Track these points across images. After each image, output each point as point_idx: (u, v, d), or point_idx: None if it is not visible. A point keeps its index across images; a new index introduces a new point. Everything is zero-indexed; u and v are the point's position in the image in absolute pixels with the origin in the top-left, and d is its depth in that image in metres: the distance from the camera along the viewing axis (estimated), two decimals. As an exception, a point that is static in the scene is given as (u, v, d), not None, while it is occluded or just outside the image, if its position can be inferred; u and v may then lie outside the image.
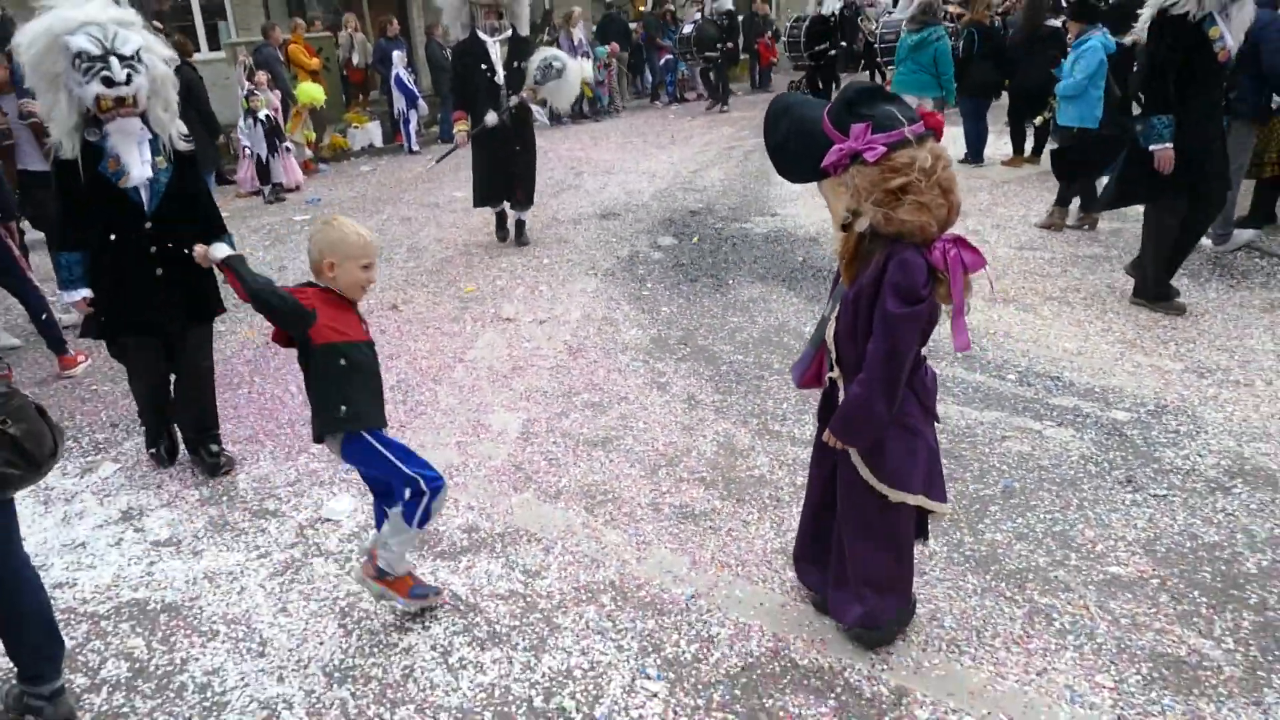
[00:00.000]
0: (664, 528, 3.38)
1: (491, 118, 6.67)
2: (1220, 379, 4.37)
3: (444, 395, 4.66)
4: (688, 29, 15.70)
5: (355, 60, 13.34)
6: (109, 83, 3.32)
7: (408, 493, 2.69)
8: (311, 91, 11.31)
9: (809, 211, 7.96)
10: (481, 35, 6.74)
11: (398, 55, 12.59)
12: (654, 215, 8.26)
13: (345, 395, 2.68)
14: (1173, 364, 4.57)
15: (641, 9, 20.10)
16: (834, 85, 14.25)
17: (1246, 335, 4.87)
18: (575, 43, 14.83)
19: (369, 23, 13.83)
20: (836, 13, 14.27)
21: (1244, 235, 6.15)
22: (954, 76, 8.88)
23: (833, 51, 14.13)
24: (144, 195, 3.57)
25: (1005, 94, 9.51)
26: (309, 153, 11.58)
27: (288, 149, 10.33)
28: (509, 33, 6.81)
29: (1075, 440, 3.85)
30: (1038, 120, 8.29)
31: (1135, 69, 7.24)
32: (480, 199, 7.26)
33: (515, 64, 6.76)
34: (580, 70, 7.12)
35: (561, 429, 4.22)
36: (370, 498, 3.63)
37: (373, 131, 13.02)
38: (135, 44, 3.39)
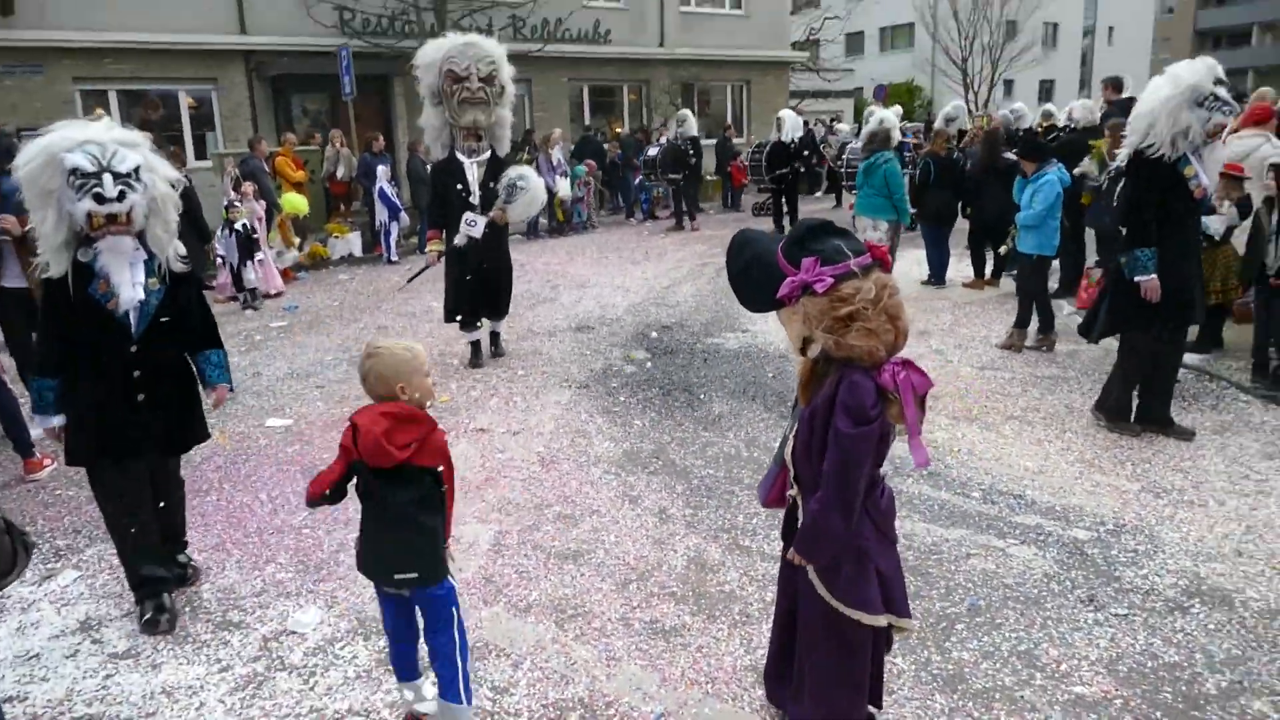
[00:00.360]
0: (634, 643, 3.37)
1: (461, 237, 6.84)
2: (1176, 499, 4.50)
3: (415, 505, 4.65)
4: (653, 152, 16.46)
5: (340, 173, 13.72)
6: (100, 199, 3.25)
7: (459, 665, 2.71)
8: (295, 202, 11.60)
9: (778, 329, 8.09)
10: (459, 156, 6.91)
11: (382, 169, 12.99)
12: (628, 329, 8.45)
13: (442, 527, 2.76)
14: (1130, 484, 4.70)
15: (618, 131, 20.92)
16: (795, 206, 15.05)
17: (1200, 456, 5.03)
18: (554, 163, 15.38)
19: (355, 138, 14.28)
20: (796, 139, 15.12)
21: (1192, 360, 6.41)
22: (908, 200, 9.34)
23: (792, 176, 15.00)
24: (132, 318, 3.44)
25: (966, 220, 9.94)
26: (294, 255, 11.77)
27: (260, 261, 10.50)
28: (488, 154, 6.98)
29: (1038, 558, 3.92)
30: (1002, 249, 8.69)
31: (1084, 198, 7.66)
32: (451, 314, 7.23)
33: (490, 184, 6.90)
34: (543, 185, 7.28)
35: (533, 541, 4.23)
36: (334, 610, 3.61)
37: (353, 241, 13.28)
38: (133, 162, 3.33)
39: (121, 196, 3.29)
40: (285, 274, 11.35)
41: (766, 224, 15.08)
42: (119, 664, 3.35)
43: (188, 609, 3.71)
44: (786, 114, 15.53)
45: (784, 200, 15.17)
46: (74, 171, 3.25)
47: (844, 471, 2.12)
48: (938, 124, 12.61)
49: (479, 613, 3.61)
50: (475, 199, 6.86)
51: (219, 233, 10.17)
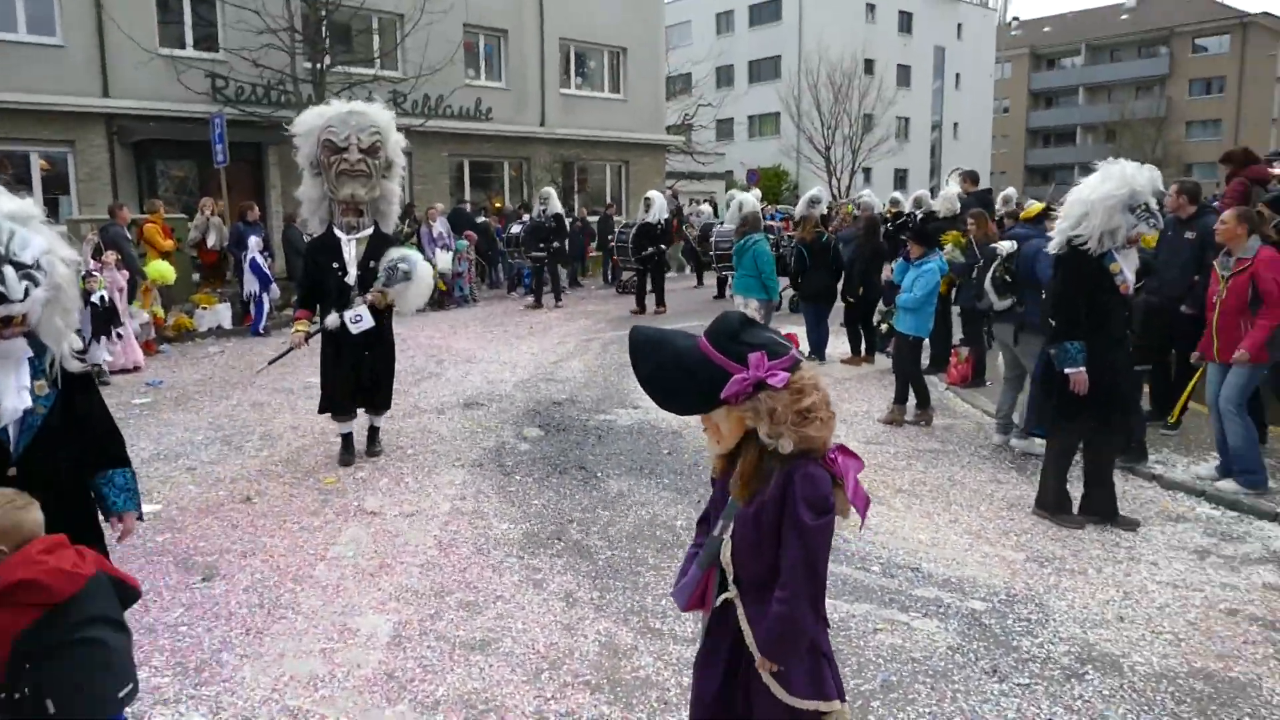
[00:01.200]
0: (551, 738, 3.23)
1: (333, 319, 6.18)
2: (1058, 568, 4.73)
3: (305, 597, 4.38)
4: (516, 229, 16.20)
5: (210, 242, 13.15)
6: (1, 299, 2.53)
7: None
8: (162, 270, 11.03)
9: (670, 404, 8.25)
10: (337, 232, 6.33)
11: (254, 239, 12.54)
12: (518, 405, 8.34)
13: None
14: (1015, 554, 4.92)
15: (499, 206, 21.01)
16: (661, 286, 14.88)
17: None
18: (435, 235, 15.24)
19: (228, 206, 13.76)
20: (663, 220, 15.16)
21: (1036, 444, 6.76)
22: (776, 280, 9.83)
23: (658, 256, 14.87)
24: (11, 432, 2.68)
25: (841, 300, 10.41)
26: (153, 331, 11.11)
27: (119, 335, 9.88)
28: (369, 230, 6.39)
29: (941, 631, 4.02)
30: (883, 326, 9.12)
31: (944, 281, 8.13)
32: (326, 404, 6.48)
33: (370, 263, 6.28)
34: (430, 271, 6.67)
35: (436, 631, 4.03)
36: (220, 716, 3.32)
37: (221, 313, 12.67)
38: (37, 248, 2.61)
39: (25, 294, 2.56)
40: (147, 346, 10.69)
41: (630, 301, 15.34)
42: (-35, 792, 2.95)
43: (48, 724, 3.32)
44: (655, 195, 15.60)
45: (649, 279, 15.01)
46: None
47: (812, 565, 2.07)
48: (800, 209, 13.21)
49: (382, 713, 3.39)
50: (352, 279, 6.26)
51: (75, 304, 9.50)
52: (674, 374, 2.12)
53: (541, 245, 14.96)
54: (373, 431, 6.80)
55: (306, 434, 7.32)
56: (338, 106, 6.39)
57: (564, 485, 6.07)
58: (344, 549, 4.97)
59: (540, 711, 3.40)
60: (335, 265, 6.26)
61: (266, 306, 12.68)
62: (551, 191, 15.75)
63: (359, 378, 6.35)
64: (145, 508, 5.54)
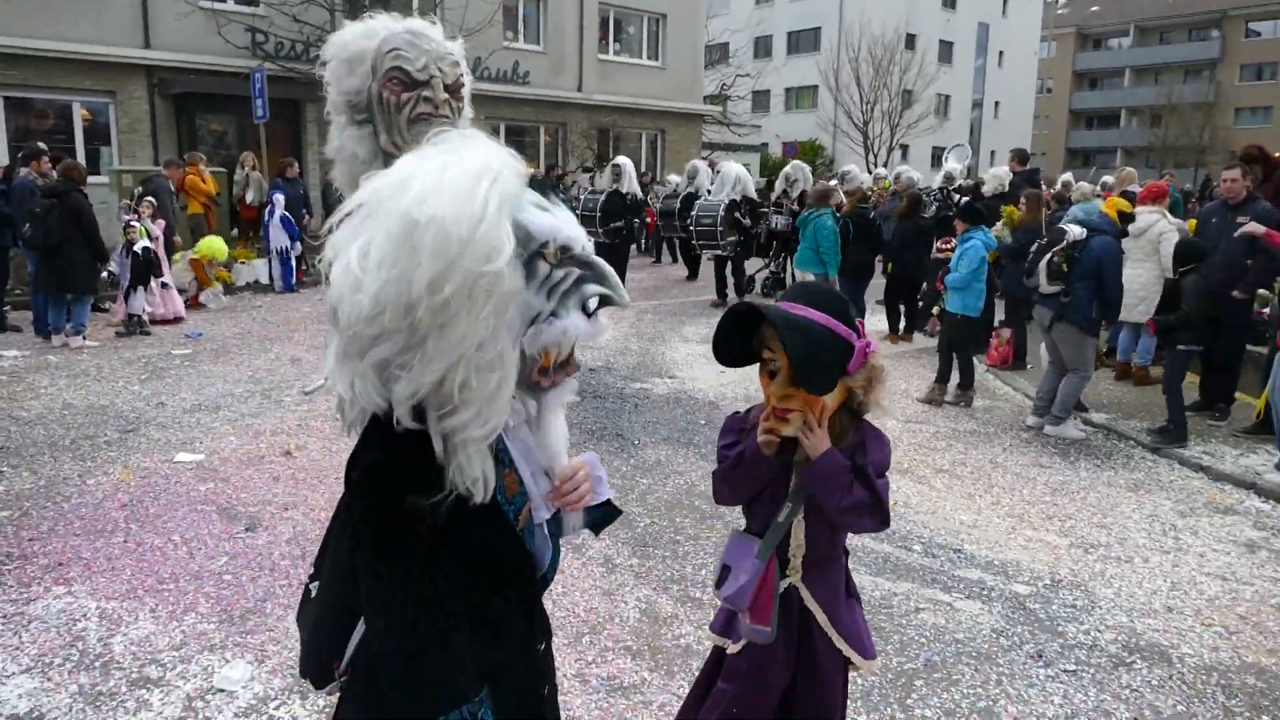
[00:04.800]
0: (593, 701, 3.23)
1: None
2: (1104, 554, 4.66)
3: (347, 551, 4.40)
4: (589, 201, 13.98)
5: (250, 197, 13.18)
6: None
7: None
8: (213, 246, 11.06)
9: (706, 375, 8.21)
10: None
11: (279, 197, 12.41)
12: (553, 370, 8.32)
13: None
14: (1059, 539, 4.85)
15: (533, 171, 20.91)
16: (625, 265, 12.99)
17: (1118, 513, 5.24)
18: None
19: (265, 161, 13.77)
20: (634, 193, 13.49)
21: (1070, 431, 6.68)
22: (835, 255, 9.50)
23: (626, 230, 13.22)
24: None
25: (883, 277, 10.29)
26: (216, 292, 11.25)
27: (164, 284, 9.96)
28: None
29: (985, 613, 3.98)
30: (934, 309, 8.96)
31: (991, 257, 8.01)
32: None
33: None
34: None
35: (476, 591, 4.04)
36: (266, 665, 3.35)
37: (259, 268, 12.75)
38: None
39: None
40: (192, 300, 10.79)
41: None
42: (20, 727, 3.00)
43: (99, 664, 3.37)
44: (624, 161, 13.63)
45: (615, 259, 12.51)
46: None
47: (881, 510, 2.08)
48: (779, 186, 12.90)
49: (426, 668, 3.40)
50: None
51: (116, 254, 9.59)
52: (823, 351, 1.99)
53: (613, 224, 13.04)
54: None
55: (344, 391, 7.35)
56: (388, 23, 5.38)
57: (601, 451, 6.05)
58: (384, 506, 4.99)
59: (582, 674, 3.40)
60: None
61: (292, 262, 12.70)
62: (701, 165, 14.33)
63: None
64: (187, 457, 5.64)
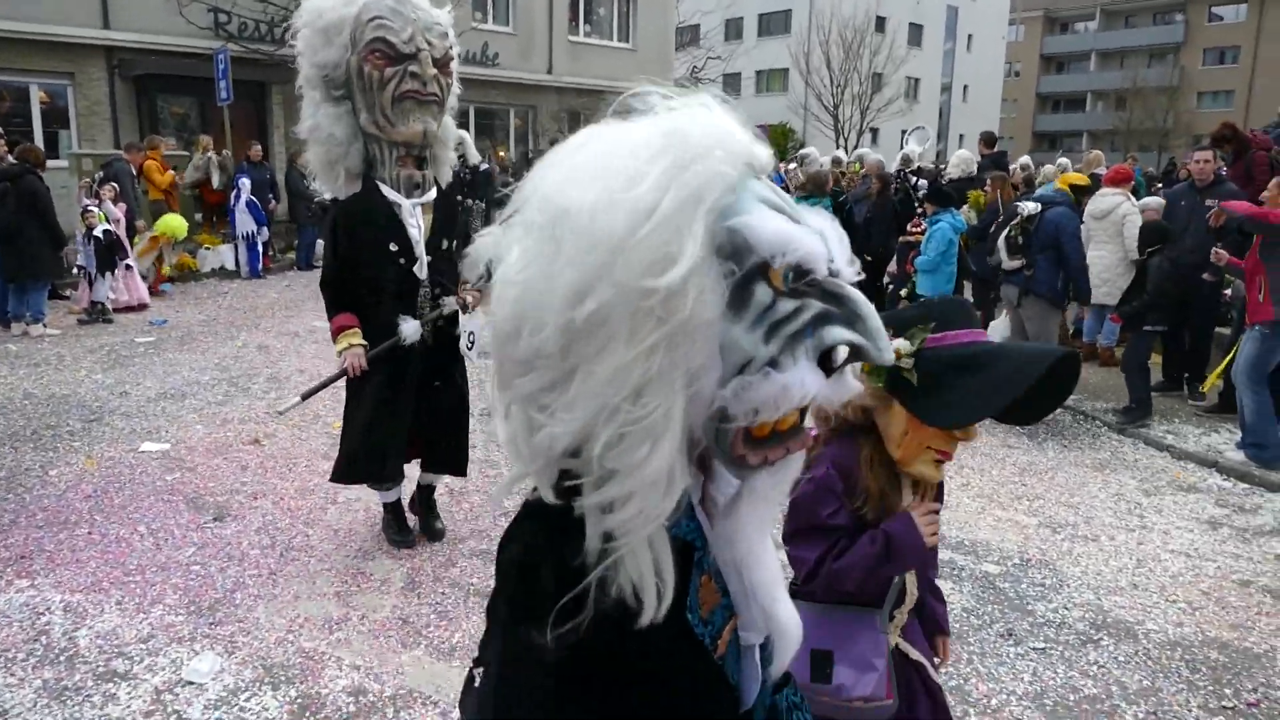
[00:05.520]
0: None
1: (411, 329, 3.90)
2: (1070, 534, 4.73)
3: (317, 540, 4.36)
4: None
5: (215, 182, 12.94)
6: None
7: None
8: (173, 224, 10.84)
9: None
10: (389, 194, 3.87)
11: (245, 181, 12.25)
12: (525, 356, 8.28)
13: None
14: (1027, 519, 4.91)
15: (502, 155, 20.74)
16: None
17: (1085, 492, 5.32)
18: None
19: (231, 144, 13.53)
20: None
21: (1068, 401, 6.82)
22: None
23: None
24: None
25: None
26: (165, 268, 11.06)
27: (128, 266, 9.78)
28: (433, 192, 4.02)
29: (955, 593, 4.02)
30: (903, 292, 8.98)
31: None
32: (366, 463, 4.06)
33: (443, 243, 4.06)
34: None
35: (449, 578, 4.01)
36: (235, 656, 3.30)
37: (224, 254, 12.56)
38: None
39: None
40: (154, 286, 10.59)
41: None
42: (-17, 724, 2.94)
43: (64, 658, 3.31)
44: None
45: None
46: None
47: None
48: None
49: (398, 657, 3.38)
50: (422, 268, 3.96)
51: (78, 240, 9.39)
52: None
53: None
54: (426, 492, 4.47)
55: (313, 378, 7.24)
56: None
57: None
58: (355, 492, 4.94)
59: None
60: (394, 246, 3.87)
61: (259, 247, 12.52)
62: None
63: (429, 420, 4.15)
64: (152, 446, 5.55)
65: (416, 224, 3.92)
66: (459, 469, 4.33)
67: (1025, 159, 12.98)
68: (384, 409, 3.96)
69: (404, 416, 4.02)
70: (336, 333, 3.85)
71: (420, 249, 3.93)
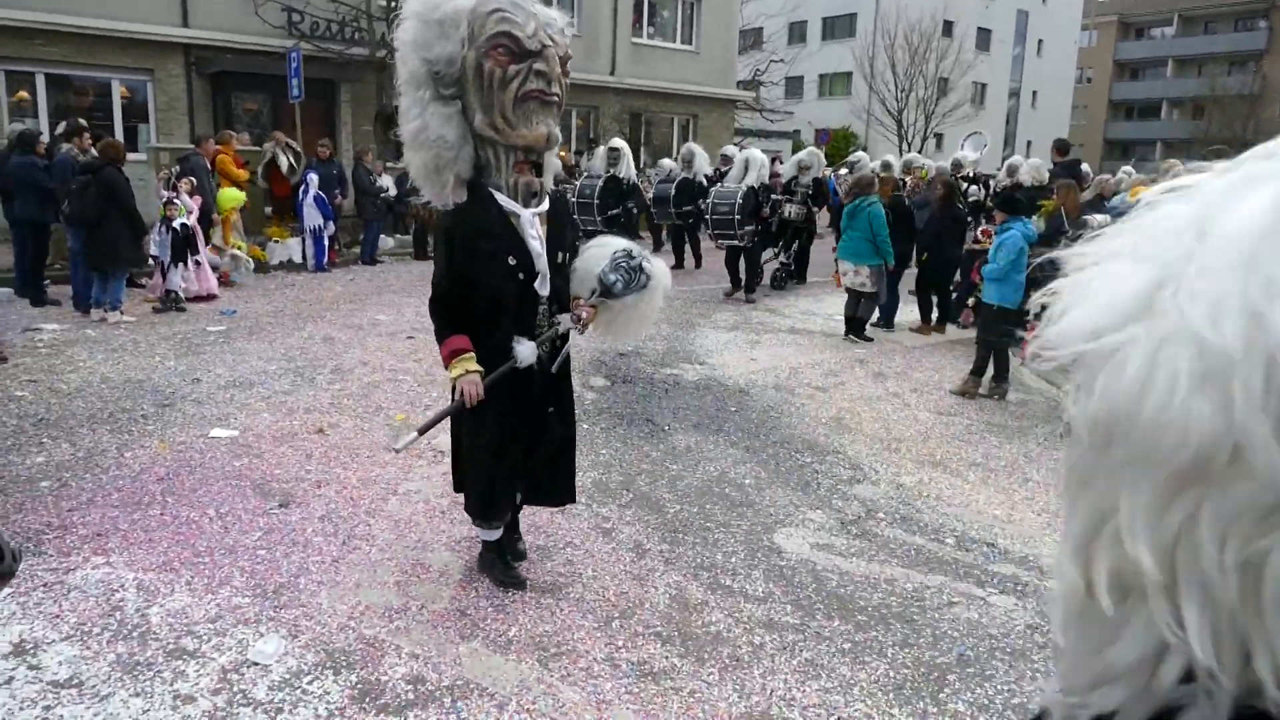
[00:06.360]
0: (623, 686, 3.23)
1: (527, 352, 3.59)
2: (1140, 554, 4.58)
3: (379, 529, 4.43)
4: (662, 186, 13.82)
5: (282, 166, 13.21)
6: None
7: None
8: (232, 195, 11.16)
9: (736, 363, 8.17)
10: (506, 203, 3.55)
11: (313, 176, 12.48)
12: (583, 356, 8.31)
13: None
14: (1095, 536, 4.78)
15: (563, 156, 20.87)
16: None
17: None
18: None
19: (301, 141, 13.84)
20: (631, 177, 13.24)
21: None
22: (889, 243, 9.04)
23: (624, 219, 12.73)
24: None
25: (917, 266, 10.16)
26: (244, 257, 11.38)
27: (198, 262, 10.05)
28: (547, 202, 3.71)
29: (1019, 610, 3.93)
30: (970, 300, 8.73)
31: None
32: (485, 499, 3.77)
33: (559, 256, 3.76)
34: (665, 273, 4.09)
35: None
36: (299, 640, 3.37)
37: (293, 247, 12.84)
38: None
39: None
40: (224, 276, 10.89)
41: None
42: (60, 694, 3.05)
43: (136, 634, 3.42)
44: (621, 144, 13.21)
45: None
46: None
47: None
48: (787, 170, 12.55)
49: (456, 648, 3.42)
50: (545, 285, 3.66)
51: (155, 231, 9.69)
52: None
53: (610, 212, 12.92)
54: (512, 524, 4.12)
55: (377, 370, 7.39)
56: None
57: (631, 436, 6.05)
58: (416, 485, 5.02)
59: (612, 658, 3.40)
60: (512, 260, 3.55)
61: (325, 240, 12.77)
62: (697, 149, 13.71)
63: (542, 452, 3.86)
64: (222, 433, 5.70)
65: (537, 235, 3.61)
66: (567, 497, 4.07)
67: (1104, 176, 12.45)
68: (503, 440, 3.68)
69: (521, 446, 3.75)
70: (449, 357, 3.50)
71: (542, 262, 3.61)
